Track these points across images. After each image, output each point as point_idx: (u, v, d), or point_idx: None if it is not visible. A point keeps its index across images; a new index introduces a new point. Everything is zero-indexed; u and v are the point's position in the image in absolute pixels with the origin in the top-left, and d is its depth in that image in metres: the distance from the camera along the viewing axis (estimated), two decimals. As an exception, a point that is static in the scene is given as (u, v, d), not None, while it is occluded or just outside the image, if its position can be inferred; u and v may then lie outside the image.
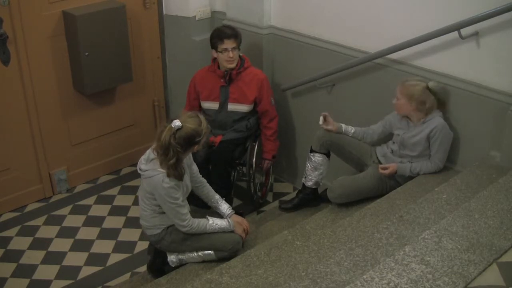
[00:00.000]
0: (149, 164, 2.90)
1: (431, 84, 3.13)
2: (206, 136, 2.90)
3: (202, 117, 2.90)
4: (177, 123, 2.79)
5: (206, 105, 3.78)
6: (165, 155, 2.81)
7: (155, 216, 3.03)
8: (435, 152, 3.19)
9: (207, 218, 3.08)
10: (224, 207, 3.20)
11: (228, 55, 3.58)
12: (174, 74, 4.55)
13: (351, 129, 3.45)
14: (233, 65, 3.63)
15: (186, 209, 2.98)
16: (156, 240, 3.10)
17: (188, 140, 2.83)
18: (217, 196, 3.24)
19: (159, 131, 2.85)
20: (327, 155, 3.51)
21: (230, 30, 3.61)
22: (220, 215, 3.18)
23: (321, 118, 3.42)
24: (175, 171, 2.84)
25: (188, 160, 3.08)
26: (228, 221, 3.12)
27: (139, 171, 2.96)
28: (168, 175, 2.84)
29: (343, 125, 3.44)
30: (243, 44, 3.71)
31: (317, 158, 3.49)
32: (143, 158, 2.96)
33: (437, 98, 3.15)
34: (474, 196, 2.68)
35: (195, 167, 3.17)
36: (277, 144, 3.93)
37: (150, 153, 2.92)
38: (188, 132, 2.81)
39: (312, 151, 3.51)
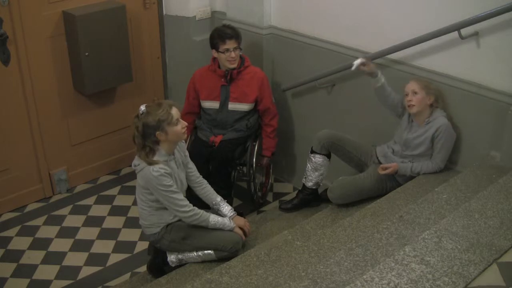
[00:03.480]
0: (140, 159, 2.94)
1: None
2: (167, 121, 2.87)
3: (168, 106, 2.91)
4: (142, 108, 2.89)
5: (207, 104, 3.78)
6: (134, 138, 2.92)
7: (153, 214, 3.03)
8: (437, 152, 3.19)
9: (210, 214, 3.08)
10: (226, 209, 3.20)
11: (230, 55, 3.58)
12: (174, 74, 4.55)
13: (383, 79, 3.25)
14: (234, 65, 3.63)
15: (182, 195, 2.99)
16: (156, 239, 3.10)
17: (145, 127, 2.86)
18: (218, 198, 3.23)
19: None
20: (328, 156, 3.51)
21: (231, 30, 3.61)
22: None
23: (359, 60, 3.19)
24: (147, 158, 2.89)
25: (185, 159, 3.12)
26: (229, 219, 3.13)
27: (133, 167, 3.01)
28: (148, 163, 2.87)
29: (379, 72, 3.25)
30: (243, 44, 3.71)
31: (318, 159, 3.49)
32: (137, 155, 2.99)
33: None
34: (474, 196, 2.67)
35: (192, 165, 3.18)
36: (276, 141, 3.93)
37: None
38: (147, 118, 2.86)
39: (312, 152, 3.51)
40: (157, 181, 2.87)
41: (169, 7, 4.34)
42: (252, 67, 3.75)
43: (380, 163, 3.35)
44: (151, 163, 2.88)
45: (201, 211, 3.02)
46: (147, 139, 2.89)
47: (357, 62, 3.21)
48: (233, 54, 3.58)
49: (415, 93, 3.14)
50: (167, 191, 2.91)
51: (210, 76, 3.74)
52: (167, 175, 2.89)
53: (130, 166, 4.55)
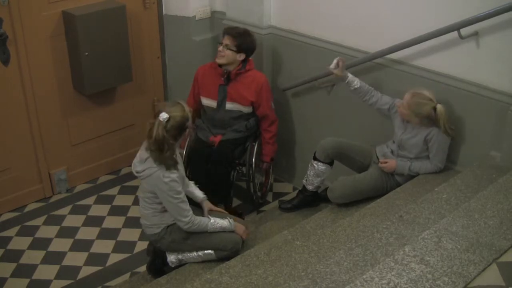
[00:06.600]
0: (144, 164, 2.90)
1: (439, 108, 3.06)
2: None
3: (182, 102, 2.96)
4: (164, 115, 2.82)
5: (205, 101, 3.78)
6: (160, 150, 2.83)
7: (156, 215, 3.03)
8: (434, 155, 3.19)
9: (208, 217, 3.08)
10: (198, 192, 3.25)
11: (218, 48, 3.61)
12: (174, 74, 4.55)
13: (356, 83, 3.34)
14: (220, 61, 3.63)
15: (188, 206, 2.98)
16: (156, 239, 3.10)
17: (179, 128, 2.87)
18: (191, 183, 3.28)
19: (148, 128, 2.88)
20: (331, 163, 3.50)
21: (232, 30, 3.65)
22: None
23: (334, 62, 3.33)
24: (172, 161, 2.86)
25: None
26: (229, 220, 3.13)
27: (135, 174, 2.97)
28: (168, 168, 2.85)
29: (350, 75, 3.35)
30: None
31: (321, 167, 3.48)
32: (136, 161, 2.97)
33: (438, 119, 3.10)
34: (474, 196, 2.67)
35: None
36: (275, 147, 3.92)
37: (142, 154, 2.93)
38: (177, 120, 2.85)
39: (315, 159, 3.50)
40: (169, 188, 2.86)
41: (169, 7, 4.34)
42: (254, 71, 3.74)
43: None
44: (171, 165, 2.86)
45: (199, 219, 3.02)
46: (175, 141, 2.90)
47: (335, 61, 3.32)
48: (220, 48, 3.61)
49: (404, 107, 3.15)
50: (177, 199, 2.90)
51: (211, 74, 3.75)
52: (177, 180, 2.89)
53: (130, 166, 4.60)
